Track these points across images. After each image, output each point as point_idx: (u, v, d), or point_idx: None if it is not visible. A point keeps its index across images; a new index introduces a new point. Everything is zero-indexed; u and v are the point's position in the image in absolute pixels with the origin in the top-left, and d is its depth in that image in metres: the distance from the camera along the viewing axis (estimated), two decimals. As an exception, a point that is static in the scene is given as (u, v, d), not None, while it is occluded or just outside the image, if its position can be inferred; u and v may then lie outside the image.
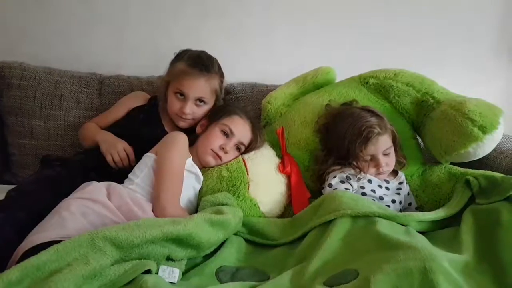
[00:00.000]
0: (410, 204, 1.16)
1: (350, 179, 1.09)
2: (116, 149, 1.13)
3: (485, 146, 1.05)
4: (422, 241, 0.87)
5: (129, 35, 1.58)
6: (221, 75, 1.31)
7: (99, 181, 1.01)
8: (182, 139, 1.09)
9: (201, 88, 1.23)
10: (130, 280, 0.70)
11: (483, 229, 0.92)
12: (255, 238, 1.03)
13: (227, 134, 1.14)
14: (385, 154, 1.10)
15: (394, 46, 1.63)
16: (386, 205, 1.07)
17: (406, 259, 0.78)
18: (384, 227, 0.91)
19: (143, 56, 1.60)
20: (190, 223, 0.86)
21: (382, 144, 1.09)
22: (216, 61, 1.31)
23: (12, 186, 1.25)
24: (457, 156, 1.10)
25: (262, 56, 1.63)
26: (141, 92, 1.37)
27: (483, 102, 1.10)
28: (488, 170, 1.10)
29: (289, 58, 1.62)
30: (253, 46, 1.62)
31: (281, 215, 1.14)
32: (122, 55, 1.59)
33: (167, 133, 1.23)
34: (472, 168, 1.14)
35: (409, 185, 1.19)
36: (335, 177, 1.10)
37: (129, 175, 1.05)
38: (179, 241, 0.83)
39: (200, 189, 1.12)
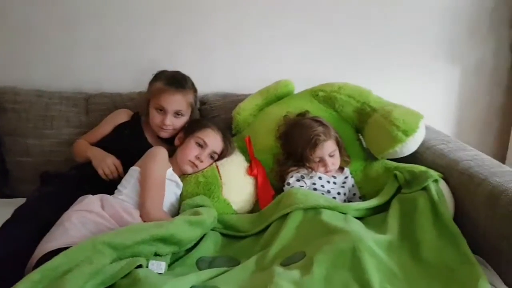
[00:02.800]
0: (354, 194, 1.37)
1: (304, 178, 1.29)
2: (106, 163, 1.28)
3: (408, 145, 1.27)
4: (355, 226, 1.08)
5: (109, 53, 1.69)
6: (195, 90, 1.48)
7: (92, 193, 1.17)
8: (161, 153, 1.26)
9: (178, 102, 1.39)
10: (126, 274, 0.88)
11: (405, 214, 1.14)
12: (229, 232, 1.21)
13: (201, 146, 1.30)
14: (331, 156, 1.31)
15: (345, 57, 1.80)
16: (332, 197, 1.28)
17: (340, 241, 0.99)
18: (327, 216, 1.11)
19: (123, 73, 1.71)
20: (172, 225, 1.04)
21: (328, 148, 1.29)
22: (189, 78, 1.48)
23: (10, 200, 1.40)
24: (388, 154, 1.31)
25: (231, 68, 1.76)
26: (124, 110, 1.51)
27: (407, 110, 1.32)
28: (417, 163, 1.30)
29: (255, 69, 1.76)
30: (223, 59, 1.75)
31: (251, 211, 1.32)
32: (103, 72, 1.70)
33: (150, 145, 1.39)
34: (406, 162, 1.33)
35: (354, 179, 1.39)
36: (292, 176, 1.30)
37: (118, 187, 1.21)
38: (164, 240, 1.01)
39: (181, 193, 1.29)
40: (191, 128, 1.36)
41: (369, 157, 1.42)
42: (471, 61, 1.89)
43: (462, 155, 1.22)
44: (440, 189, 1.15)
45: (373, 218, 1.19)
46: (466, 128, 1.97)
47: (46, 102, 1.52)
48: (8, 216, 1.09)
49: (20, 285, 0.74)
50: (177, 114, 1.40)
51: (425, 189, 1.15)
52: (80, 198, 1.12)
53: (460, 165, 1.18)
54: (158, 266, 0.98)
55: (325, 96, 1.44)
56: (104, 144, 1.39)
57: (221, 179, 1.28)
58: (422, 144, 1.33)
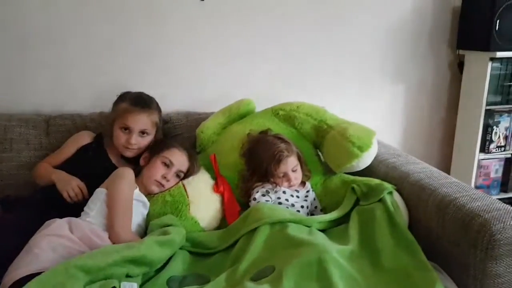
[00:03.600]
0: (316, 207, 1.43)
1: (269, 192, 1.33)
2: (70, 186, 1.25)
3: (364, 160, 1.35)
4: (320, 238, 1.13)
5: (68, 75, 1.66)
6: (159, 110, 1.49)
7: (58, 216, 1.13)
8: (128, 174, 1.25)
9: (143, 121, 1.39)
10: (100, 298, 0.87)
11: (364, 224, 1.20)
12: (197, 249, 1.21)
13: (167, 165, 1.31)
14: (294, 171, 1.36)
15: (300, 76, 1.88)
16: (297, 210, 1.33)
17: (306, 253, 1.03)
18: (293, 229, 1.16)
19: (83, 94, 1.68)
20: (142, 246, 1.03)
21: (291, 163, 1.35)
22: (154, 99, 1.48)
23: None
24: (345, 168, 1.39)
25: (192, 87, 1.78)
26: (86, 132, 1.48)
27: (360, 127, 1.40)
28: (372, 175, 1.38)
29: (215, 88, 1.80)
30: (183, 78, 1.77)
31: (218, 227, 1.34)
32: (63, 94, 1.67)
33: (115, 166, 1.38)
34: (361, 175, 1.41)
35: (315, 192, 1.45)
36: (257, 192, 1.33)
37: (84, 209, 1.18)
38: (135, 261, 1.00)
39: (148, 213, 1.28)
40: (157, 148, 1.36)
41: (328, 171, 1.49)
42: (414, 79, 2.03)
43: (412, 168, 1.32)
44: (394, 200, 1.23)
45: (335, 230, 1.24)
46: (412, 141, 2.10)
47: (5, 125, 1.46)
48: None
49: None
50: (142, 133, 1.39)
51: (381, 200, 1.23)
52: (47, 222, 1.08)
53: (411, 177, 1.26)
54: (131, 287, 0.98)
55: (285, 114, 1.50)
56: (68, 166, 1.36)
57: (188, 197, 1.29)
58: (375, 158, 1.42)
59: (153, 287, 1.04)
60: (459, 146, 2.04)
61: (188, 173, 1.35)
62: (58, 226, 1.06)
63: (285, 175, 1.35)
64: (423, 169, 1.30)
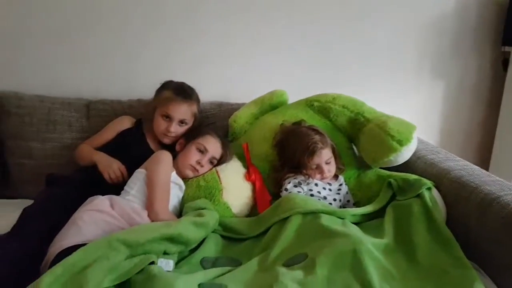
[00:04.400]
0: (348, 201, 1.42)
1: (301, 184, 1.34)
2: (112, 168, 1.31)
3: (403, 155, 1.33)
4: (354, 230, 1.13)
5: (106, 62, 1.73)
6: (198, 101, 1.53)
7: (98, 193, 1.19)
8: (167, 157, 1.29)
9: (184, 111, 1.44)
10: (140, 270, 0.91)
11: (400, 219, 1.18)
12: (229, 234, 1.23)
13: (202, 151, 1.35)
14: (327, 163, 1.36)
15: (333, 70, 1.88)
16: (329, 203, 1.33)
17: (341, 243, 1.04)
18: (326, 220, 1.16)
19: (120, 81, 1.75)
20: (180, 225, 1.07)
21: (324, 155, 1.35)
22: (195, 90, 1.53)
23: (11, 200, 1.41)
24: (383, 163, 1.37)
25: (224, 78, 1.81)
26: (127, 117, 1.54)
27: (400, 120, 1.38)
28: (409, 172, 1.36)
29: (248, 79, 1.82)
30: (216, 69, 1.80)
31: (249, 215, 1.36)
32: (102, 80, 1.74)
33: (152, 150, 1.43)
34: (397, 171, 1.40)
35: (348, 186, 1.45)
36: (289, 182, 1.34)
37: (125, 188, 1.24)
38: (172, 239, 1.04)
39: (182, 196, 1.32)
40: (192, 134, 1.40)
41: (362, 165, 1.47)
42: (454, 76, 1.98)
43: (452, 165, 1.29)
44: (433, 196, 1.21)
45: (369, 224, 1.23)
46: (448, 141, 2.05)
47: (49, 107, 1.54)
48: (12, 214, 1.10)
49: (45, 278, 0.77)
50: (181, 122, 1.44)
51: (419, 196, 1.21)
52: (90, 198, 1.14)
53: (452, 174, 1.23)
54: (167, 264, 1.01)
55: (320, 106, 1.50)
56: (108, 150, 1.42)
57: (221, 183, 1.32)
58: (413, 154, 1.39)
59: (187, 266, 1.08)
60: (499, 148, 1.97)
61: (221, 160, 1.38)
62: (100, 202, 1.11)
63: (318, 167, 1.35)
64: (464, 167, 1.27)
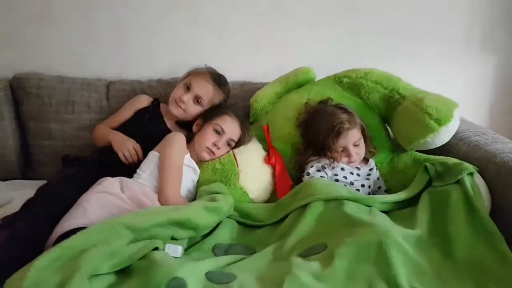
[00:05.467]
0: (379, 187, 1.32)
1: (325, 168, 1.25)
2: (126, 147, 1.30)
3: (441, 136, 1.20)
4: (381, 219, 1.04)
5: (127, 41, 1.70)
6: (225, 95, 1.47)
7: (111, 175, 1.18)
8: (180, 139, 1.26)
9: (206, 90, 1.40)
10: (143, 256, 0.88)
11: (436, 208, 1.08)
12: (245, 220, 1.19)
13: (219, 132, 1.29)
14: (355, 145, 1.26)
15: (370, 44, 1.75)
16: (356, 189, 1.24)
17: (365, 233, 0.96)
18: (350, 208, 1.08)
19: (142, 61, 1.73)
20: (189, 209, 1.03)
21: (352, 137, 1.25)
22: (229, 86, 1.49)
23: (34, 181, 1.45)
24: (419, 145, 1.25)
25: (249, 56, 1.74)
26: (144, 96, 1.52)
27: (440, 97, 1.25)
28: (449, 155, 1.24)
29: (273, 57, 1.74)
30: (241, 47, 1.74)
31: (268, 201, 1.30)
32: (123, 60, 1.72)
33: (169, 130, 1.40)
34: (436, 154, 1.28)
35: (379, 171, 1.34)
36: (312, 166, 1.26)
37: (137, 170, 1.22)
38: (180, 224, 1.00)
39: (197, 180, 1.28)
40: (210, 114, 1.35)
41: (397, 148, 1.36)
42: (506, 50, 1.79)
43: (500, 147, 1.15)
44: (475, 182, 1.09)
45: (400, 212, 1.14)
46: (499, 119, 1.87)
47: (68, 88, 1.55)
48: (31, 195, 1.11)
49: (38, 261, 0.75)
50: (197, 100, 1.39)
51: (459, 182, 1.09)
52: (100, 180, 1.13)
53: (498, 157, 1.10)
54: (175, 250, 0.98)
55: (350, 82, 1.39)
56: (124, 129, 1.41)
57: (238, 166, 1.26)
58: (454, 136, 1.26)
59: (198, 252, 1.04)
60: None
61: (239, 142, 1.33)
62: (110, 184, 1.10)
63: (345, 149, 1.26)
64: (514, 149, 1.13)
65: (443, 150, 1.29)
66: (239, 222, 1.19)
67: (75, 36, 1.68)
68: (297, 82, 1.48)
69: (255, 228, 1.18)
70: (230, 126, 1.31)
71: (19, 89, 1.53)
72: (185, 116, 1.41)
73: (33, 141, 1.55)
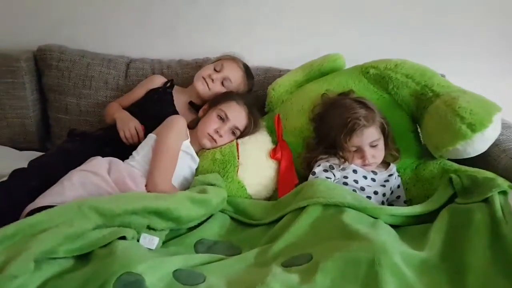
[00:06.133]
0: (398, 197, 1.17)
1: (334, 169, 1.13)
2: (128, 126, 1.28)
3: (475, 144, 1.03)
4: (382, 234, 0.90)
5: (151, 20, 1.68)
6: (250, 89, 1.44)
7: (111, 153, 1.16)
8: (180, 123, 1.20)
9: (236, 74, 1.39)
10: (107, 244, 0.85)
11: (455, 229, 0.93)
12: (239, 217, 1.11)
13: (222, 119, 1.22)
14: (372, 146, 1.12)
15: (411, 32, 1.58)
16: (367, 196, 1.11)
17: (357, 249, 0.84)
18: (350, 217, 0.96)
19: (164, 41, 1.70)
20: (171, 199, 0.98)
21: (368, 136, 1.11)
22: (253, 82, 1.48)
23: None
24: (448, 153, 1.08)
25: (279, 41, 1.66)
26: (158, 76, 1.50)
27: (478, 98, 1.06)
28: (487, 168, 1.08)
29: (304, 43, 1.63)
30: (270, 30, 1.65)
31: (269, 198, 1.21)
32: (146, 39, 1.71)
33: (177, 113, 1.36)
34: (471, 165, 1.12)
35: (401, 178, 1.20)
36: (319, 165, 1.14)
37: (133, 152, 1.18)
38: (159, 214, 0.94)
39: (197, 168, 1.23)
40: (216, 99, 1.28)
41: (425, 154, 1.20)
42: None
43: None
44: (508, 203, 0.91)
45: (412, 228, 0.99)
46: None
47: (88, 62, 1.56)
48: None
49: None
50: (224, 82, 1.36)
51: (487, 201, 0.93)
52: (91, 158, 1.11)
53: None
54: (150, 241, 0.93)
55: (377, 74, 1.24)
56: (134, 108, 1.40)
57: (238, 158, 1.18)
58: (496, 145, 1.08)
59: (178, 246, 0.99)
60: None
61: (245, 132, 1.25)
62: (97, 164, 1.08)
63: (359, 150, 1.12)
64: None
65: (481, 161, 1.12)
66: (233, 218, 1.12)
67: (100, 11, 1.68)
68: (321, 70, 1.36)
69: (249, 226, 1.10)
70: (236, 113, 1.23)
71: (42, 61, 1.57)
72: (208, 94, 1.36)
73: (51, 114, 1.60)
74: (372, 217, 0.98)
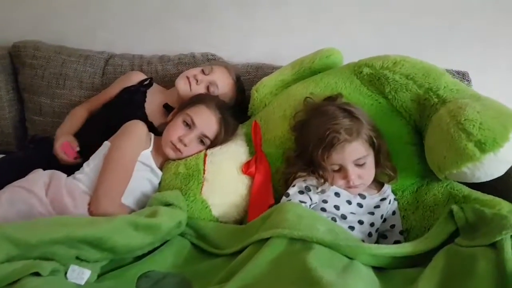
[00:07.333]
0: (393, 226, 0.98)
1: (310, 191, 0.95)
2: (56, 149, 1.15)
3: (485, 167, 0.81)
4: (354, 283, 0.73)
5: (139, 15, 1.58)
6: (237, 102, 1.29)
7: (68, 167, 1.07)
8: (138, 129, 1.08)
9: (225, 81, 1.25)
10: (16, 280, 0.73)
11: (451, 279, 0.74)
12: (200, 243, 0.97)
13: (189, 125, 1.08)
14: (358, 165, 0.93)
15: (422, 23, 1.39)
16: (349, 226, 0.92)
17: (315, 303, 0.68)
18: (318, 257, 0.78)
19: (153, 34, 1.59)
20: (106, 225, 0.85)
21: (351, 153, 0.91)
22: (247, 97, 1.30)
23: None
24: (452, 176, 0.87)
25: (273, 33, 1.51)
26: (137, 72, 1.38)
27: (494, 106, 0.84)
28: (505, 195, 0.87)
29: (303, 35, 1.47)
30: (264, 21, 1.50)
31: (241, 221, 1.06)
32: (132, 35, 1.61)
33: (146, 117, 1.23)
34: (487, 190, 0.90)
35: (398, 202, 1.00)
36: (294, 185, 0.97)
37: (84, 164, 1.07)
38: (89, 243, 0.83)
39: (160, 183, 1.10)
40: (186, 102, 1.14)
41: (429, 173, 0.99)
42: None
43: None
44: (523, 251, 0.71)
45: (399, 273, 0.81)
46: None
47: (64, 60, 1.47)
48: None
49: None
50: (210, 87, 1.23)
51: (495, 246, 0.73)
52: (33, 171, 1.01)
53: None
54: (80, 274, 0.81)
55: (371, 74, 1.04)
56: (104, 109, 1.29)
57: (204, 173, 1.03)
58: (515, 169, 0.86)
59: (116, 280, 0.86)
60: None
61: (215, 141, 1.09)
62: (35, 179, 0.97)
63: (342, 169, 0.94)
64: None
65: (501, 184, 0.90)
66: (194, 245, 0.98)
67: (86, 5, 1.59)
68: (311, 68, 1.17)
69: (212, 256, 0.95)
70: (204, 119, 1.08)
71: (16, 58, 1.50)
72: (189, 96, 1.21)
73: (27, 115, 1.52)
74: (348, 257, 0.81)
